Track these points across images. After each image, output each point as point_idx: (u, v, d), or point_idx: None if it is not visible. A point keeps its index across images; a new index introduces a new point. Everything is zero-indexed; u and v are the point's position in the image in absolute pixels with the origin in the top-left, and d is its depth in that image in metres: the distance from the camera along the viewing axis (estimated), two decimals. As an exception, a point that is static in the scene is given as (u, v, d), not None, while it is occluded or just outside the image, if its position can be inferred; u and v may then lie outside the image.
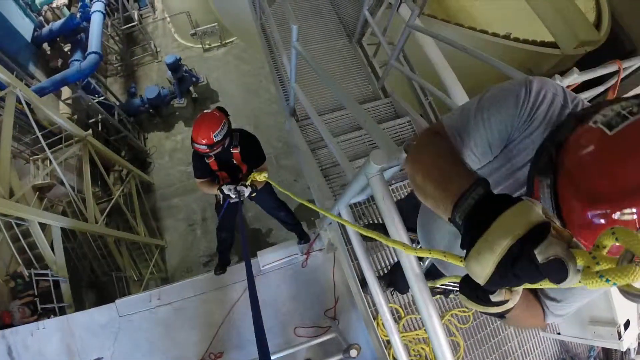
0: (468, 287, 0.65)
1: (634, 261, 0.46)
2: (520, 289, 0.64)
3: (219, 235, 3.44)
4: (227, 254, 3.61)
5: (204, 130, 2.47)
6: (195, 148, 2.55)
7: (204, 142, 2.48)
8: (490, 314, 0.69)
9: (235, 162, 2.76)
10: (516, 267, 0.50)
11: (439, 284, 1.51)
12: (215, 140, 2.49)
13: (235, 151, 2.70)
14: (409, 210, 1.67)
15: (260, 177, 2.71)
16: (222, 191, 2.70)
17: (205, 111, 2.62)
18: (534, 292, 0.94)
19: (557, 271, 0.47)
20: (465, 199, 0.61)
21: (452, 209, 0.64)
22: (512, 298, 0.64)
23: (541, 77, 0.87)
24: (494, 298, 0.61)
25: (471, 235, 0.56)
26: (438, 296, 2.62)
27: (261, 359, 1.44)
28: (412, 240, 1.70)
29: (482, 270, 0.53)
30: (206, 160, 2.72)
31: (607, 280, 0.45)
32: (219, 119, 2.54)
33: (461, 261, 0.65)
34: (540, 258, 0.48)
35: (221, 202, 3.04)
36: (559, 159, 0.63)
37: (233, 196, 2.70)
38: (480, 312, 0.68)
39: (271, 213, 3.51)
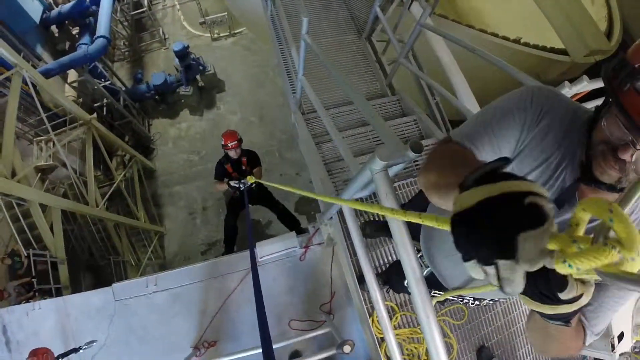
0: (533, 284, 0.58)
1: (608, 238, 0.43)
2: (592, 280, 0.58)
3: (225, 223, 4.93)
4: (232, 246, 4.93)
5: (233, 135, 4.14)
6: (228, 147, 4.11)
7: (235, 141, 4.11)
8: (556, 317, 0.67)
9: (244, 166, 4.36)
10: (500, 203, 0.49)
11: (441, 299, 1.50)
12: (239, 138, 4.17)
13: (244, 159, 4.35)
14: None
15: (253, 178, 4.02)
16: (229, 185, 4.22)
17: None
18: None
19: (536, 212, 0.46)
20: (482, 168, 0.59)
21: (467, 175, 0.60)
22: (587, 291, 0.59)
23: (545, 87, 0.93)
24: (564, 295, 0.58)
25: (477, 184, 0.54)
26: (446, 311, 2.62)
27: (263, 347, 1.45)
28: (418, 251, 1.70)
29: (467, 199, 0.52)
30: (224, 167, 4.31)
31: (570, 266, 0.44)
32: (234, 130, 4.31)
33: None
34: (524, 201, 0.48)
35: (231, 193, 4.67)
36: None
37: (241, 186, 4.14)
38: (545, 314, 0.65)
39: (271, 206, 4.92)
